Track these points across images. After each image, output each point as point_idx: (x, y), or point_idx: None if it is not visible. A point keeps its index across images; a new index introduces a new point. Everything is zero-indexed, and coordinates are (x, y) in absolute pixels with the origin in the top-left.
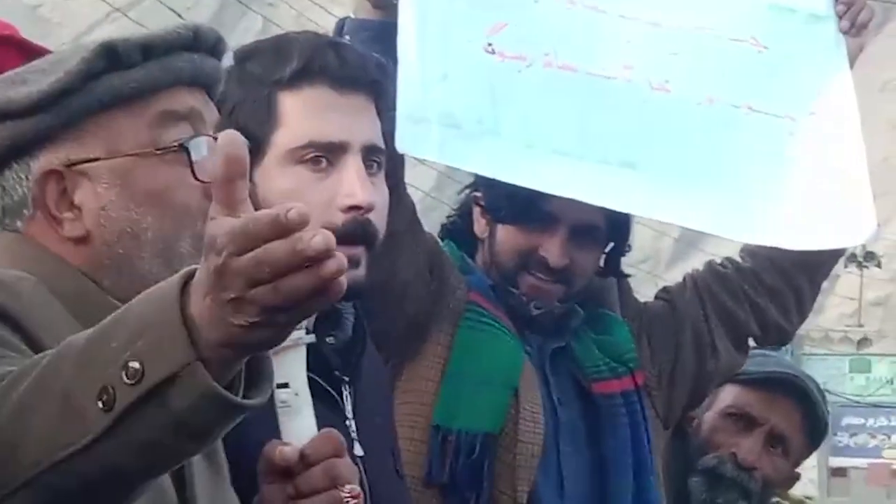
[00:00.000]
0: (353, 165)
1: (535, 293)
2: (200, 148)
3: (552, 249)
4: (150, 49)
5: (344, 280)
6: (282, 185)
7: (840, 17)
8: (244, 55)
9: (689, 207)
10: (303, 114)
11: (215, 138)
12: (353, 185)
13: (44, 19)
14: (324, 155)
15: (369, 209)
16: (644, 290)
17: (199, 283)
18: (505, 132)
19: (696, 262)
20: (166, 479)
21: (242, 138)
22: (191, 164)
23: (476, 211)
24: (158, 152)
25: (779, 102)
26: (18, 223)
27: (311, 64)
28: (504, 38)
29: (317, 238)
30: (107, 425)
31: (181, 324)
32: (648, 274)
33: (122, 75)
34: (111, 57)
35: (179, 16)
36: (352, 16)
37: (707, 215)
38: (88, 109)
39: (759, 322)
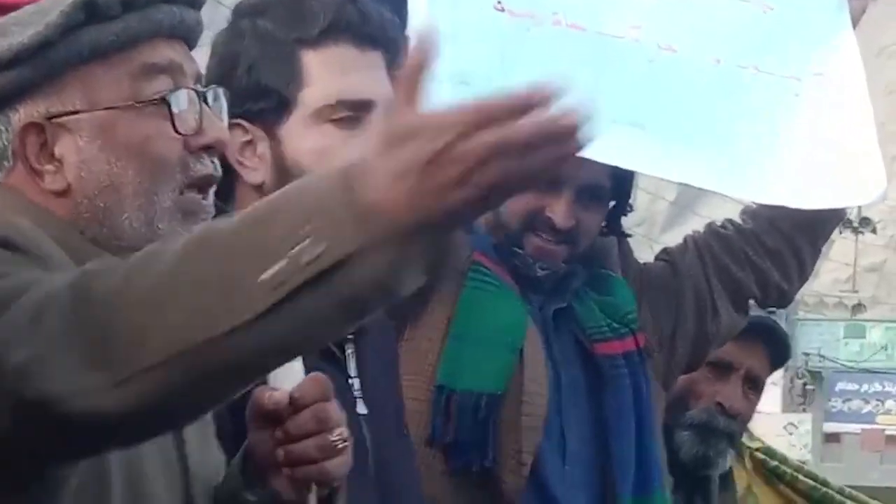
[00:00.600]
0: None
1: (540, 254)
2: (180, 100)
3: (559, 210)
4: (129, 2)
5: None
6: (312, 143)
7: None
8: (253, 10)
9: (696, 166)
10: (329, 72)
11: (196, 91)
12: None
13: None
14: (352, 113)
15: None
16: (640, 253)
17: (388, 172)
18: (514, 89)
19: (691, 226)
20: (169, 439)
21: (433, 35)
22: (171, 116)
23: None
24: (138, 105)
25: (784, 63)
26: None
27: (336, 21)
28: None
29: (569, 118)
30: (273, 302)
31: (355, 210)
32: (644, 237)
33: (101, 28)
34: (90, 9)
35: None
36: None
37: (714, 174)
38: (68, 62)
39: (760, 284)
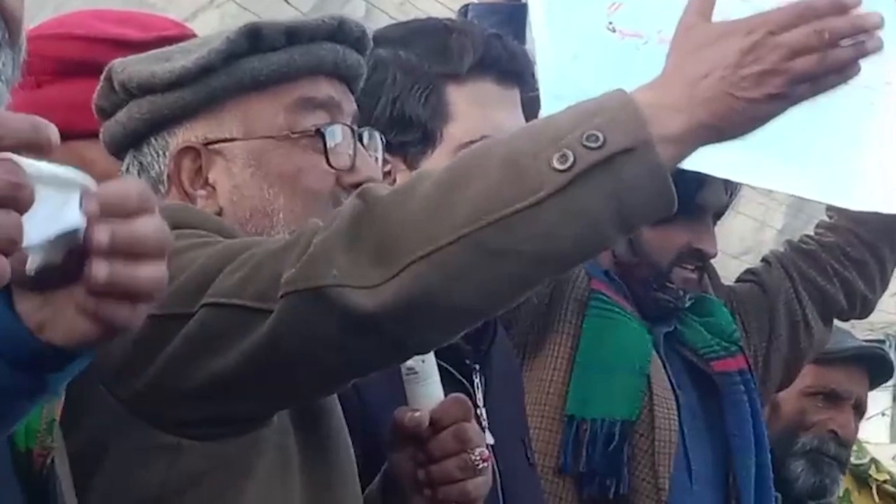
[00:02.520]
0: None
1: (687, 285)
2: (336, 135)
3: (707, 240)
4: (294, 34)
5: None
6: None
7: None
8: (395, 41)
9: (795, 176)
10: (474, 108)
11: (351, 128)
12: None
13: (148, 4)
14: None
15: None
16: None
17: (691, 75)
18: None
19: None
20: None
21: None
22: (325, 150)
23: None
24: (294, 136)
25: (862, 73)
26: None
27: (483, 58)
28: (622, 16)
29: (874, 17)
30: (563, 183)
31: (638, 109)
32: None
33: (263, 58)
34: (255, 39)
35: (286, 1)
36: (473, 1)
37: (810, 183)
38: (228, 89)
39: (847, 295)
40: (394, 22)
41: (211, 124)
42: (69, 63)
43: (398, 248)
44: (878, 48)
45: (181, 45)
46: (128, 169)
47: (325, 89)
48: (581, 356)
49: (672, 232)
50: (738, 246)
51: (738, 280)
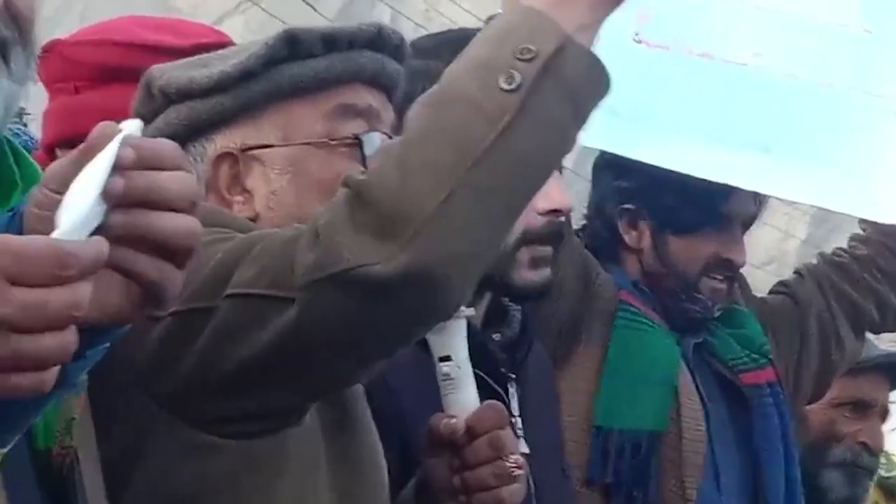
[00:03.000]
0: None
1: (716, 295)
2: (374, 143)
3: (736, 249)
4: (332, 41)
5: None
6: None
7: None
8: (426, 52)
9: (822, 188)
10: None
11: (390, 137)
12: (554, 188)
13: (175, 9)
14: None
15: (568, 212)
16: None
17: None
18: (657, 119)
19: None
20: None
21: None
22: (363, 157)
23: (623, 223)
24: (333, 143)
25: (882, 84)
26: None
27: None
28: (648, 28)
29: None
30: (519, 102)
31: (546, 13)
32: (774, 276)
33: (302, 64)
34: (293, 45)
35: (312, 7)
36: (499, 11)
37: (838, 195)
38: (267, 95)
39: (880, 308)
40: (419, 28)
41: (249, 130)
42: (107, 69)
43: (397, 219)
44: None
45: (219, 52)
46: None
47: (365, 97)
48: (609, 367)
49: (700, 242)
50: (762, 256)
51: (771, 292)
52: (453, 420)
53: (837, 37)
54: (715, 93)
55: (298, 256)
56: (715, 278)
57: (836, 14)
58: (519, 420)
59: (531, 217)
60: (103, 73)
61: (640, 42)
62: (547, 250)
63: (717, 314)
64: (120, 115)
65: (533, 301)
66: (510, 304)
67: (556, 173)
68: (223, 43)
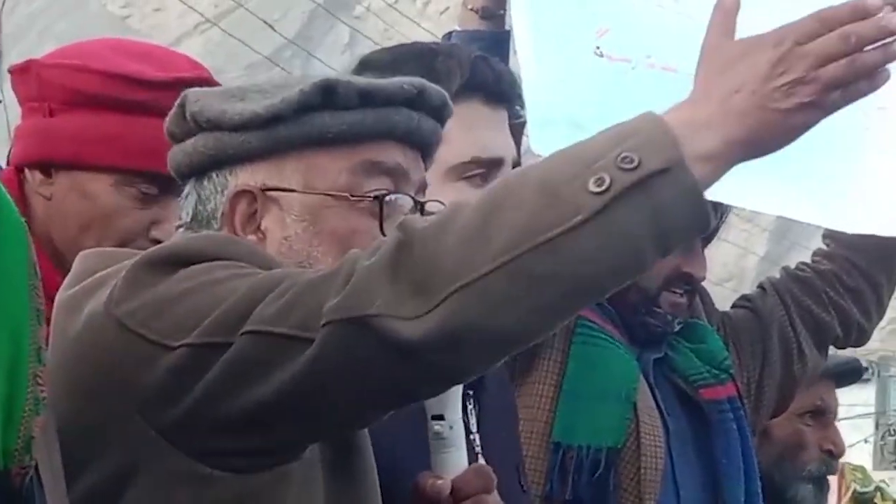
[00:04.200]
0: None
1: (675, 309)
2: (396, 204)
3: (696, 263)
4: (369, 95)
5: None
6: (445, 199)
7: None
8: (385, 65)
9: (789, 199)
10: (463, 129)
11: (415, 200)
12: None
13: (132, 30)
14: (485, 170)
15: None
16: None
17: (722, 93)
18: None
19: None
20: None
21: None
22: (381, 217)
23: None
24: (353, 198)
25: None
26: (205, 233)
27: (471, 79)
28: (609, 41)
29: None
30: (599, 207)
31: (671, 129)
32: (733, 292)
33: (334, 115)
34: (328, 94)
35: (271, 27)
36: (457, 28)
37: (805, 206)
38: (294, 141)
39: (843, 324)
40: (378, 48)
41: (272, 171)
42: (83, 95)
43: (439, 278)
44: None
45: (260, 83)
46: (186, 197)
47: (394, 155)
48: (567, 383)
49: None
50: (721, 273)
51: (733, 306)
52: (440, 481)
53: None
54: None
55: (328, 296)
56: (675, 292)
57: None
58: (477, 437)
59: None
60: (79, 99)
61: (601, 56)
62: None
63: (677, 328)
64: (91, 142)
65: None
66: None
67: None
68: (202, 78)
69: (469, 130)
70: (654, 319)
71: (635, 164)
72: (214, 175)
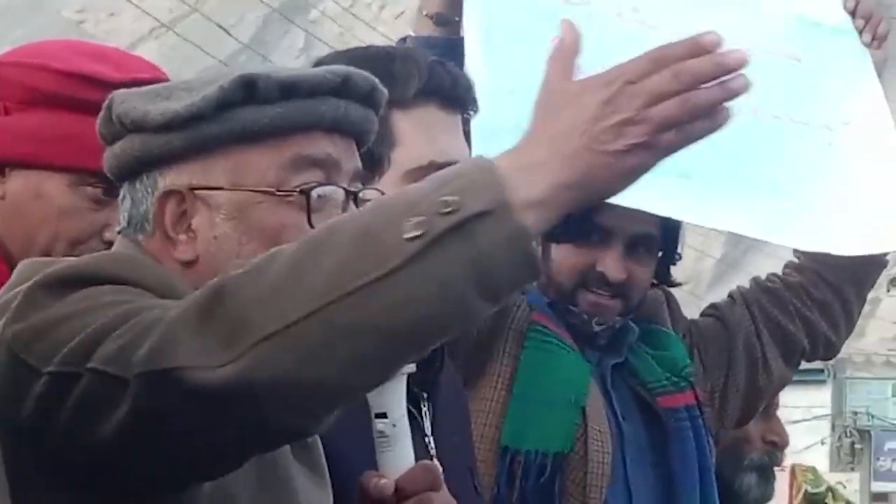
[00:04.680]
0: None
1: (595, 309)
2: (325, 197)
3: (610, 264)
4: (291, 87)
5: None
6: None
7: (860, 32)
8: None
9: (742, 215)
10: (419, 133)
11: (346, 190)
12: None
13: (87, 34)
14: None
15: None
16: (686, 311)
17: (552, 136)
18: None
19: (737, 283)
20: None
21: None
22: (308, 211)
23: None
24: (279, 194)
25: (815, 113)
26: (140, 237)
27: (428, 84)
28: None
29: (736, 55)
30: (413, 252)
31: (496, 172)
32: (690, 294)
33: (256, 109)
34: (248, 89)
35: (227, 31)
36: (412, 34)
37: (758, 222)
38: (218, 138)
39: (810, 336)
40: (334, 52)
41: (199, 170)
42: (40, 94)
43: (246, 327)
44: (744, 88)
45: (189, 80)
46: (122, 201)
47: (323, 146)
48: (518, 388)
49: (573, 252)
50: (677, 275)
51: (702, 314)
52: (383, 481)
53: (763, 64)
54: None
55: (143, 338)
56: (594, 292)
57: (765, 43)
58: (431, 439)
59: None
60: (36, 98)
61: None
62: None
63: (597, 329)
64: (47, 141)
65: None
66: None
67: None
68: (158, 79)
69: (426, 134)
70: (571, 318)
71: (453, 207)
72: (145, 177)
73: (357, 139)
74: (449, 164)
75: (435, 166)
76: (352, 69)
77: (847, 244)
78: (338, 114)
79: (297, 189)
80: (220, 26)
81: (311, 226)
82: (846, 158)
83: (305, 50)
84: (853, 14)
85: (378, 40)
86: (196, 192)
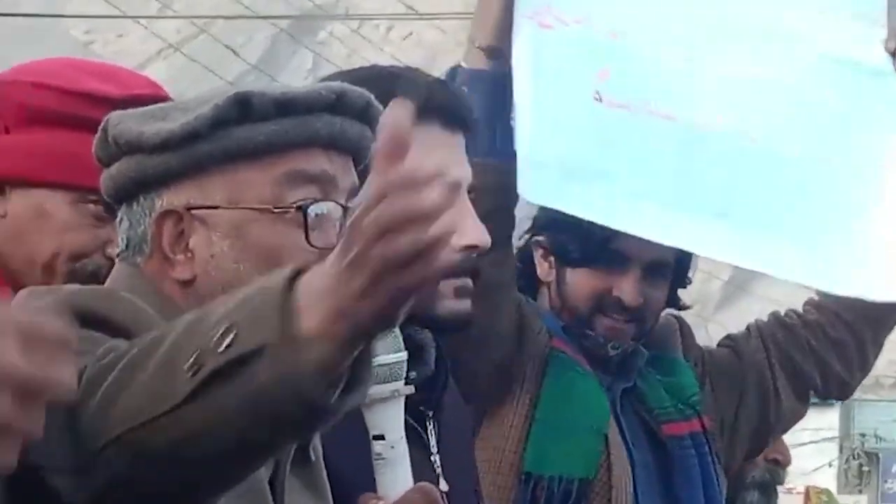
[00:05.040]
0: (466, 205)
1: (611, 334)
2: (322, 213)
3: (627, 289)
4: (286, 104)
5: (445, 259)
6: None
7: None
8: None
9: (780, 257)
10: (419, 152)
11: (343, 206)
12: (471, 225)
13: (95, 55)
14: None
15: (485, 248)
16: (693, 332)
17: (329, 259)
18: (613, 180)
19: (744, 305)
20: None
21: (406, 124)
22: (306, 228)
23: (538, 255)
24: (276, 211)
25: (849, 156)
26: (138, 259)
27: (428, 102)
28: (610, 86)
29: (433, 195)
30: (190, 391)
31: (281, 301)
32: (697, 316)
33: (252, 128)
34: (243, 107)
35: (235, 52)
36: (463, 65)
37: (796, 265)
38: (214, 157)
39: (822, 374)
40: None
41: (196, 190)
42: (41, 112)
43: (86, 436)
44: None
45: (183, 101)
46: (120, 223)
47: (319, 163)
48: (540, 413)
49: (590, 277)
50: (685, 297)
51: (718, 345)
52: (380, 503)
53: (802, 104)
54: (673, 155)
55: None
56: (611, 317)
57: (804, 82)
58: (437, 457)
59: (448, 253)
60: (36, 116)
61: (600, 100)
62: (467, 282)
63: (612, 354)
64: (48, 160)
65: (459, 331)
66: (425, 340)
67: (471, 207)
68: (159, 96)
69: (424, 153)
70: (587, 342)
71: (228, 343)
72: (141, 198)
73: (354, 156)
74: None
75: None
76: (346, 85)
77: (885, 290)
78: (333, 130)
79: (295, 206)
80: (229, 47)
81: (310, 243)
82: (880, 203)
83: (313, 71)
84: (894, 55)
85: (386, 61)
86: (193, 211)
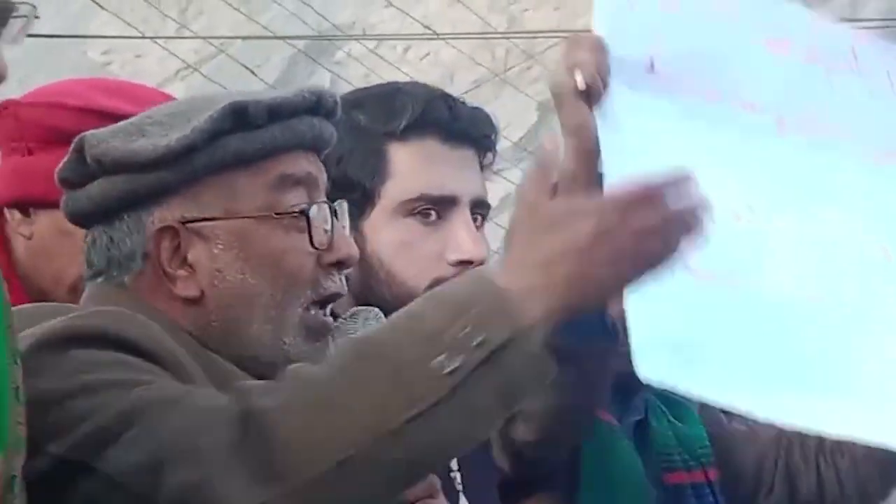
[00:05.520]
0: (463, 219)
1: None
2: (317, 215)
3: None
4: (277, 110)
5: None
6: (392, 236)
7: None
8: (351, 104)
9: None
10: (414, 166)
11: (330, 206)
12: (465, 239)
13: (113, 76)
14: (434, 207)
15: (480, 264)
16: None
17: (537, 262)
18: (711, 354)
19: None
20: None
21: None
22: (309, 230)
23: None
24: (277, 216)
25: None
26: (125, 277)
27: (424, 116)
28: (696, 255)
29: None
30: (451, 386)
31: (507, 298)
32: None
33: (247, 136)
34: (239, 116)
35: (252, 72)
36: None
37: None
38: (210, 168)
39: (819, 492)
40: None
41: (189, 202)
42: (60, 132)
43: (286, 466)
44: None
45: (151, 116)
46: (94, 242)
47: (304, 165)
48: (585, 480)
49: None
50: None
51: (736, 419)
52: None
53: (878, 265)
54: (765, 328)
55: (171, 463)
56: None
57: (880, 240)
58: (458, 475)
59: (441, 267)
60: (56, 136)
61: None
62: None
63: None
64: None
65: None
66: None
67: (469, 222)
68: None
69: (421, 167)
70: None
71: (481, 339)
72: (125, 216)
73: (320, 154)
74: (442, 197)
75: (426, 199)
76: (321, 88)
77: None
78: (314, 132)
79: (296, 210)
80: (247, 67)
81: (314, 246)
82: None
83: (332, 90)
84: None
85: (403, 80)
86: (189, 225)
